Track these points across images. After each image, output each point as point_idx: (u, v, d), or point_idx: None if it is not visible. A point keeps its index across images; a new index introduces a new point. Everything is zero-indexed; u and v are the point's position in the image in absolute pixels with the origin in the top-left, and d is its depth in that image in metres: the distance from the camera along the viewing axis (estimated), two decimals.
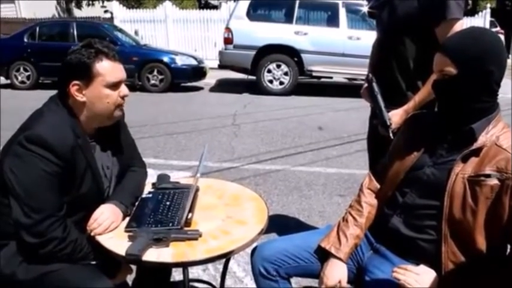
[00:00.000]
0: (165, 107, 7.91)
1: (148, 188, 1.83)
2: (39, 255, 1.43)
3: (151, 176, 1.92)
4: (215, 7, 17.63)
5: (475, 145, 1.33)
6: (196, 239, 1.46)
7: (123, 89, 1.56)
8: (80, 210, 1.54)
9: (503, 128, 1.36)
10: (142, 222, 1.54)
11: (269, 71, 9.04)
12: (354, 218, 1.60)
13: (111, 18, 14.84)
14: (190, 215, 1.57)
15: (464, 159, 1.34)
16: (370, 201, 1.61)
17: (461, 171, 1.33)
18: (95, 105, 1.51)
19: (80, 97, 1.50)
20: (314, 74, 9.18)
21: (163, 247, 1.41)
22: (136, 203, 1.68)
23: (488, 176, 1.28)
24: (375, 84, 1.99)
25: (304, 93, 9.15)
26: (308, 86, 10.01)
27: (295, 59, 8.97)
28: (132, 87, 9.14)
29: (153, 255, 1.38)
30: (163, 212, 1.62)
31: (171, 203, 1.68)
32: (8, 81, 10.08)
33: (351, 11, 8.86)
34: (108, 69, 1.50)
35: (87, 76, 1.48)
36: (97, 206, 1.55)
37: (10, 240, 1.46)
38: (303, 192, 3.92)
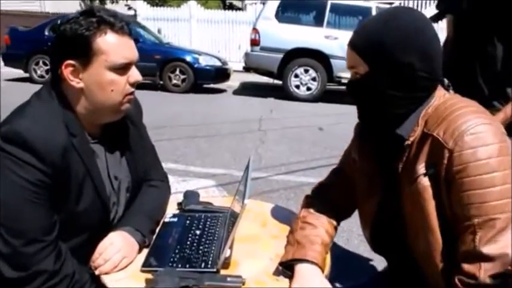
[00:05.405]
0: (186, 109, 7.58)
1: (172, 209, 1.43)
2: None
3: (171, 185, 1.54)
4: (239, 9, 17.47)
5: (408, 148, 1.12)
6: None
7: (134, 73, 1.19)
8: (79, 233, 1.19)
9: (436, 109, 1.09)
10: (164, 260, 1.16)
11: (296, 76, 8.76)
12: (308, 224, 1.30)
13: (135, 16, 14.82)
14: (229, 252, 1.16)
15: (405, 166, 1.13)
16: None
17: (408, 179, 1.12)
18: (94, 93, 1.14)
19: (75, 82, 1.13)
20: (343, 81, 8.79)
21: None
22: (157, 230, 1.29)
23: (426, 174, 1.08)
24: None
25: (332, 101, 8.76)
26: (336, 93, 9.62)
27: (324, 65, 8.66)
28: (153, 87, 9.04)
29: None
30: (192, 244, 1.22)
31: (203, 231, 1.29)
32: (27, 75, 9.92)
33: None
34: (114, 45, 1.13)
35: (84, 54, 1.12)
36: (102, 230, 1.19)
37: None
38: None
